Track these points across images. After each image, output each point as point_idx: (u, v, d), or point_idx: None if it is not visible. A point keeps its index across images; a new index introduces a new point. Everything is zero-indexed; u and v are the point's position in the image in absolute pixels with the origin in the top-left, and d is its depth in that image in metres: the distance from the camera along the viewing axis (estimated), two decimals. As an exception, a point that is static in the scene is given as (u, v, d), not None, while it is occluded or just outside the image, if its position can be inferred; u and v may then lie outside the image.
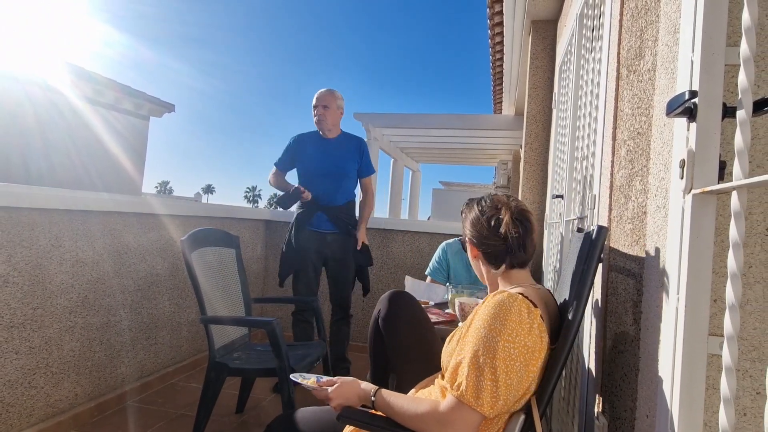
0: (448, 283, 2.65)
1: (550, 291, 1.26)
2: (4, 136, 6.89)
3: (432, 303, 2.32)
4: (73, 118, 7.84)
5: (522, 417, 1.05)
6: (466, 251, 1.32)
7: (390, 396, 1.11)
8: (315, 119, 2.79)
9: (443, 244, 2.81)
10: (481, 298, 1.24)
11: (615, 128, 1.32)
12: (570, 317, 1.08)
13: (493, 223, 1.19)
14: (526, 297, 1.05)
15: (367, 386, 1.17)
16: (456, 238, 2.79)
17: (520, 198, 3.75)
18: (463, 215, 1.31)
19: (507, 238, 1.17)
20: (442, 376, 1.18)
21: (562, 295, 1.23)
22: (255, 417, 2.41)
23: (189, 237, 2.14)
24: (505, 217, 1.18)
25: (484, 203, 1.25)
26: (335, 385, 1.18)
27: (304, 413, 1.32)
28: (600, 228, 1.12)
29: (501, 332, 0.98)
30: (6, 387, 1.88)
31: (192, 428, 2.03)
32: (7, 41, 7.13)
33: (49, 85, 7.45)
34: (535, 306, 1.04)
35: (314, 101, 2.80)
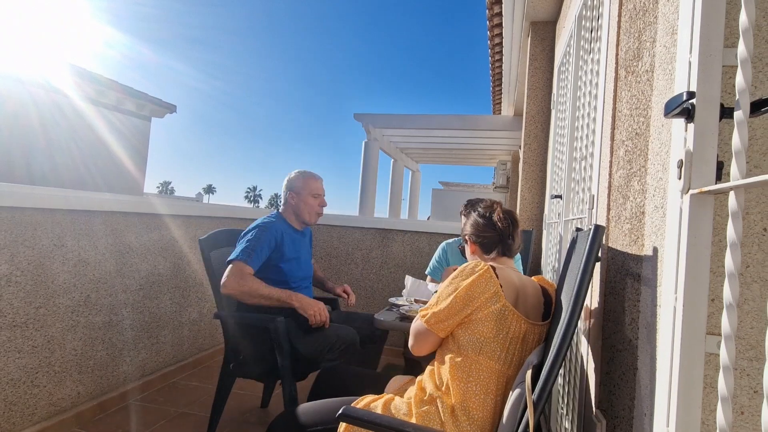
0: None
1: (541, 284, 1.42)
2: (7, 136, 6.90)
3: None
4: (75, 118, 7.84)
5: (517, 391, 1.07)
6: (464, 256, 1.58)
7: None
8: (318, 212, 2.27)
9: (443, 243, 2.81)
10: None
11: (613, 129, 1.32)
12: (567, 316, 1.08)
13: (488, 214, 1.50)
14: (491, 266, 1.27)
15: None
16: (456, 238, 2.79)
17: (519, 198, 3.76)
18: (464, 220, 1.60)
19: (498, 229, 1.46)
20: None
21: (560, 294, 1.23)
22: (266, 414, 2.41)
23: (208, 237, 2.18)
24: (497, 211, 1.50)
25: (479, 206, 1.56)
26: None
27: (305, 408, 1.34)
28: (597, 227, 1.12)
29: (448, 279, 1.30)
30: (9, 385, 1.88)
31: (202, 424, 2.04)
32: (10, 43, 7.13)
33: (52, 86, 7.46)
34: (494, 270, 1.26)
35: (320, 189, 2.27)
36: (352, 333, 2.02)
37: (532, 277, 1.44)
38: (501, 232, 1.46)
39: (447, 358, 1.25)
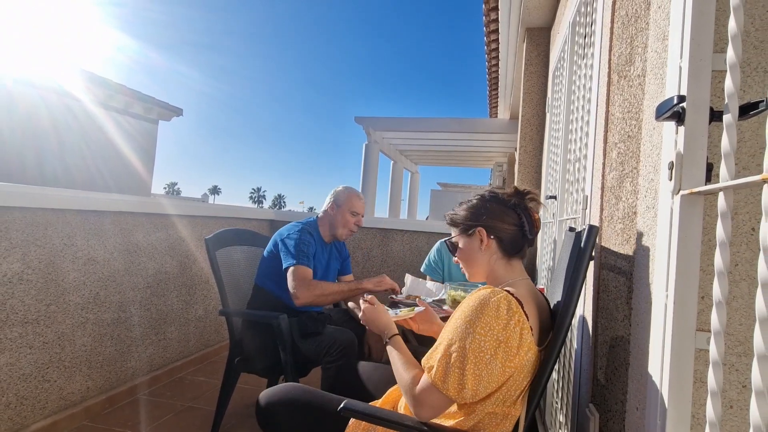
0: (444, 282, 2.65)
1: (543, 293, 1.25)
2: (21, 138, 6.91)
3: (429, 300, 2.31)
4: (86, 121, 7.85)
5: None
6: (453, 253, 1.28)
7: (395, 350, 1.17)
8: (351, 229, 2.24)
9: (439, 242, 2.81)
10: None
11: (606, 131, 1.32)
12: (562, 313, 1.08)
13: (517, 211, 1.17)
14: (512, 294, 1.03)
15: (391, 327, 1.27)
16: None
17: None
18: (469, 209, 1.23)
19: (523, 225, 1.16)
20: None
21: (555, 292, 1.23)
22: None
23: (214, 236, 2.19)
24: (531, 204, 1.19)
25: (499, 195, 1.21)
26: (368, 305, 1.34)
27: (273, 391, 1.33)
28: (591, 227, 1.12)
29: (476, 324, 0.97)
30: (20, 380, 1.88)
31: (207, 418, 2.04)
32: (23, 49, 7.14)
33: (63, 90, 7.47)
34: (520, 303, 1.01)
35: (360, 207, 2.24)
36: (349, 335, 1.98)
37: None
38: (525, 232, 1.17)
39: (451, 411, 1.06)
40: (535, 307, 1.08)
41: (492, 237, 1.17)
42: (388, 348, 1.20)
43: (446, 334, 1.03)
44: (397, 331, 1.24)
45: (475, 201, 1.23)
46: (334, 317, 2.28)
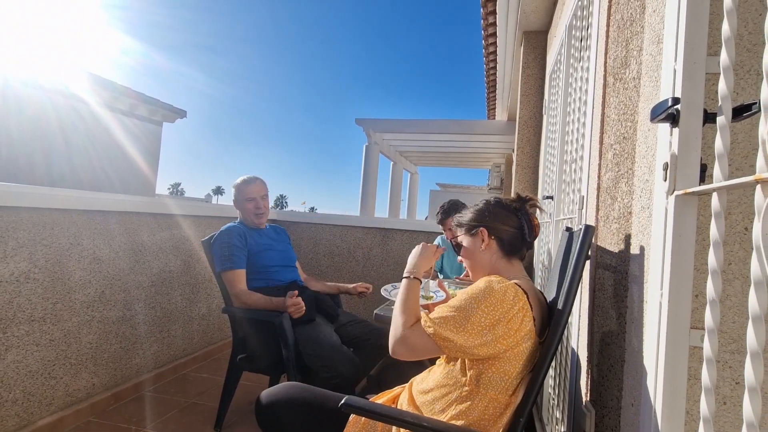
0: (440, 276, 2.66)
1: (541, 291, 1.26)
2: (29, 139, 6.92)
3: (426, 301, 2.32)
4: (92, 123, 7.86)
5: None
6: (457, 252, 1.32)
7: (407, 291, 1.21)
8: (255, 213, 2.25)
9: (438, 237, 2.83)
10: None
11: (602, 133, 1.32)
12: (559, 311, 1.08)
13: (518, 215, 1.24)
14: (519, 285, 1.08)
15: (419, 269, 1.30)
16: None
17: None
18: (474, 212, 1.29)
19: (523, 228, 1.22)
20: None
21: (551, 291, 1.23)
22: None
23: (210, 238, 2.22)
24: (532, 209, 1.24)
25: (503, 201, 1.28)
26: (425, 244, 1.37)
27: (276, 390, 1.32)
28: (587, 227, 1.12)
29: (481, 302, 1.03)
30: (27, 377, 1.88)
31: (211, 414, 2.04)
32: (32, 52, 7.15)
33: (70, 93, 7.48)
34: (526, 293, 1.06)
35: (252, 192, 2.24)
36: (353, 370, 1.93)
37: None
38: (524, 234, 1.22)
39: (454, 390, 1.09)
40: (537, 301, 1.11)
41: (493, 237, 1.23)
42: (404, 282, 1.24)
43: (452, 302, 1.08)
44: (420, 277, 1.27)
45: (480, 205, 1.30)
46: (339, 314, 2.27)
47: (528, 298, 1.06)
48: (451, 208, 2.61)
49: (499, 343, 1.02)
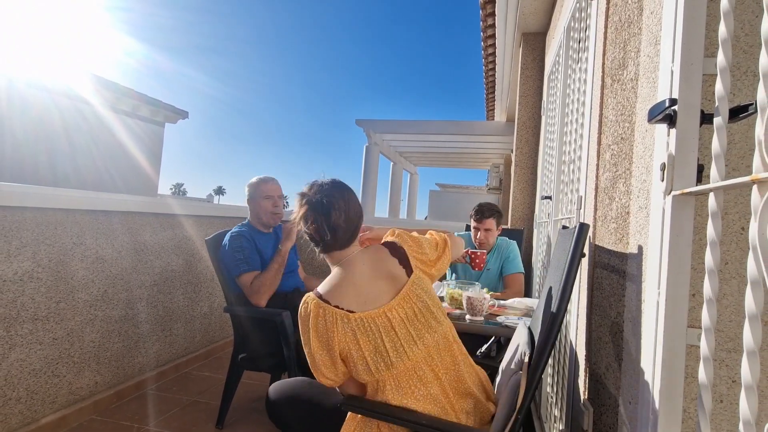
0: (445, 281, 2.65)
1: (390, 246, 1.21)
2: (33, 140, 6.92)
3: None
4: (96, 124, 7.87)
5: (512, 381, 1.06)
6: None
7: None
8: (272, 212, 2.22)
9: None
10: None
11: (600, 134, 1.31)
12: (554, 309, 1.07)
13: (297, 219, 1.19)
14: (320, 296, 1.10)
15: None
16: (463, 234, 2.77)
17: (511, 199, 3.75)
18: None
19: (309, 229, 1.17)
20: None
21: (549, 288, 1.23)
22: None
23: (213, 237, 2.21)
24: (300, 212, 1.17)
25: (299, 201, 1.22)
26: None
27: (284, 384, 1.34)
28: (581, 225, 1.12)
29: (306, 340, 1.11)
30: (31, 375, 1.88)
31: (212, 412, 2.04)
32: (36, 53, 7.16)
33: (74, 94, 7.49)
34: (321, 297, 1.10)
35: (271, 190, 2.22)
36: None
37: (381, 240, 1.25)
38: (312, 235, 1.19)
39: (373, 395, 1.12)
40: (351, 283, 1.12)
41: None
42: None
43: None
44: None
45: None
46: None
47: (321, 298, 1.09)
48: (493, 210, 2.56)
49: (332, 351, 1.08)
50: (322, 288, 1.13)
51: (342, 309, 1.08)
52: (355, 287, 1.12)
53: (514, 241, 2.68)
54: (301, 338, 1.12)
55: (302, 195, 1.18)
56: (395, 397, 1.07)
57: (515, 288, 2.50)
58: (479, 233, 2.56)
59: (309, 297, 1.12)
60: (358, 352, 1.07)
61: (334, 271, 1.17)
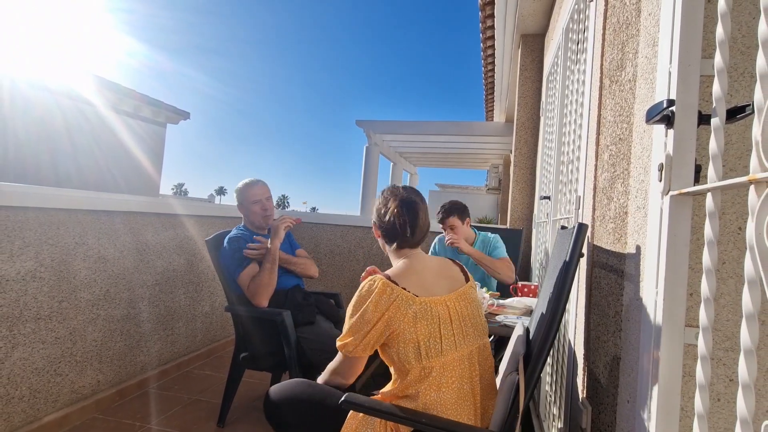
0: None
1: (453, 261, 1.35)
2: (36, 140, 6.92)
3: None
4: (98, 124, 7.87)
5: (509, 380, 1.06)
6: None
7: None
8: (262, 215, 2.23)
9: (436, 239, 2.85)
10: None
11: (598, 134, 1.31)
12: (553, 309, 1.07)
13: (383, 211, 1.29)
14: (389, 277, 1.17)
15: None
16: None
17: (510, 199, 3.75)
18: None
19: (395, 223, 1.26)
20: None
21: (548, 288, 1.23)
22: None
23: (213, 237, 2.21)
24: (391, 206, 1.27)
25: (381, 196, 1.35)
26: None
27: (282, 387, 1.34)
28: (580, 225, 1.12)
29: (357, 308, 1.15)
30: (34, 374, 1.88)
31: (214, 410, 2.04)
32: (39, 54, 7.16)
33: (76, 95, 7.49)
34: (389, 278, 1.17)
35: (257, 194, 2.23)
36: None
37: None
38: (396, 229, 1.27)
39: (402, 379, 1.15)
40: (415, 271, 1.22)
41: (379, 230, 1.35)
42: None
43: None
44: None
45: (377, 203, 1.37)
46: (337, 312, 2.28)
47: (390, 279, 1.16)
48: (452, 208, 2.61)
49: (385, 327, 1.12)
50: (390, 272, 1.22)
51: (408, 291, 1.14)
52: (420, 276, 1.21)
53: (497, 235, 2.73)
54: (350, 310, 1.16)
55: (394, 192, 1.30)
56: (436, 383, 1.10)
57: (505, 264, 2.51)
58: (446, 233, 2.59)
59: (377, 277, 1.18)
60: (412, 335, 1.11)
61: (401, 261, 1.27)
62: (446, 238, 2.55)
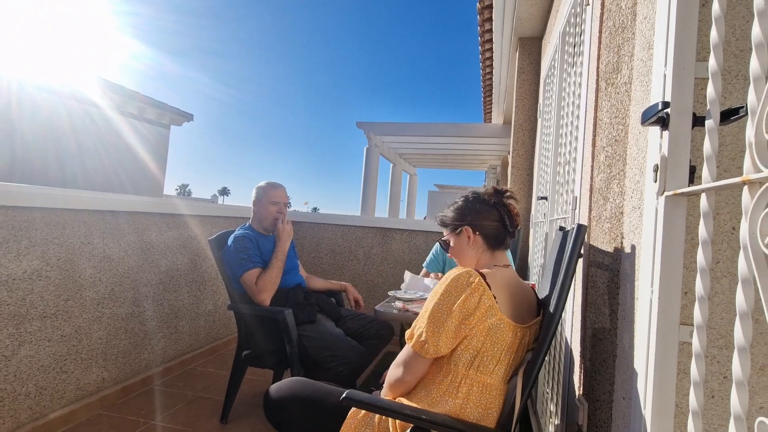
0: (440, 273, 2.66)
1: (533, 289, 1.28)
2: (43, 142, 6.93)
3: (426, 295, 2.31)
4: (103, 126, 7.88)
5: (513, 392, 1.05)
6: (446, 250, 1.34)
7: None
8: (276, 218, 2.21)
9: (436, 245, 2.83)
10: None
11: (594, 136, 1.31)
12: (552, 308, 1.07)
13: (498, 208, 1.26)
14: (477, 270, 1.10)
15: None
16: None
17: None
18: (455, 210, 1.32)
19: (504, 220, 1.25)
20: None
21: (546, 288, 1.23)
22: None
23: (216, 237, 2.21)
24: (510, 201, 1.28)
25: (481, 195, 1.31)
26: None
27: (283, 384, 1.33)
28: (579, 226, 1.12)
29: (439, 292, 1.08)
30: (40, 372, 1.88)
31: (217, 407, 2.04)
32: (46, 57, 7.16)
33: (82, 97, 7.50)
34: (483, 276, 1.08)
35: (278, 196, 2.23)
36: (359, 357, 1.95)
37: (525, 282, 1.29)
38: (506, 227, 1.25)
39: (433, 378, 1.10)
40: (507, 285, 1.13)
41: (477, 233, 1.26)
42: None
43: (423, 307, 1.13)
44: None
45: (460, 203, 1.33)
46: (341, 313, 2.27)
47: (485, 279, 1.07)
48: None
49: (461, 328, 1.05)
50: (487, 274, 1.10)
51: (497, 302, 1.08)
52: (510, 292, 1.13)
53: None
54: (436, 297, 1.08)
55: (498, 192, 1.29)
56: (461, 396, 1.06)
57: None
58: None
59: (475, 273, 1.08)
60: (477, 342, 1.06)
61: (495, 268, 1.19)
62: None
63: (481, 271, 1.11)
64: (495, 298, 1.07)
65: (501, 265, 1.23)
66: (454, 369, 1.08)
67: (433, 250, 2.84)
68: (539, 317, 1.19)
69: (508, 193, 1.30)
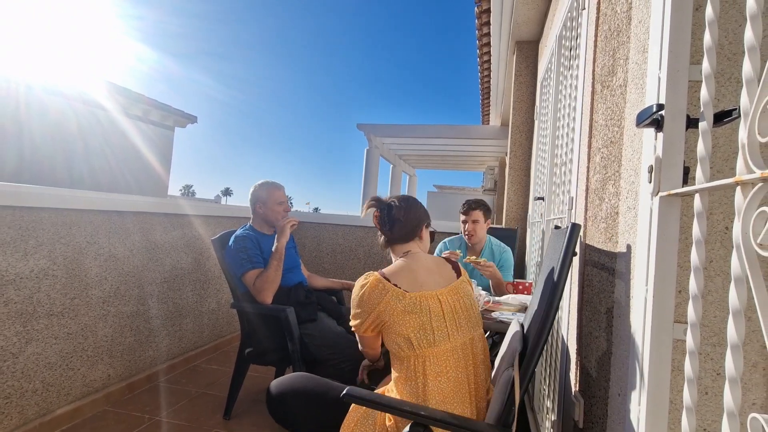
0: None
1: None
2: (51, 143, 6.95)
3: None
4: (109, 128, 7.89)
5: (505, 375, 1.06)
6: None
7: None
8: (284, 216, 2.23)
9: (443, 242, 2.80)
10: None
11: (590, 137, 1.31)
12: (547, 306, 1.07)
13: (376, 219, 1.42)
14: (383, 274, 1.23)
15: None
16: (456, 236, 2.76)
17: (505, 200, 3.75)
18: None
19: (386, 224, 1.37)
20: None
21: (542, 286, 1.23)
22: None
23: (219, 237, 2.20)
24: (374, 212, 1.41)
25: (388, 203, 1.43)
26: None
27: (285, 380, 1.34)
28: (573, 225, 1.11)
29: (354, 299, 1.25)
30: (46, 368, 1.88)
31: (220, 403, 2.03)
32: (54, 60, 7.17)
33: (89, 99, 7.51)
34: (387, 279, 1.22)
35: (283, 197, 2.26)
36: (360, 354, 1.96)
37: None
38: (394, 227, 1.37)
39: (398, 367, 1.20)
40: (408, 269, 1.26)
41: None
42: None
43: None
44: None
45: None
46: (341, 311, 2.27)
47: (385, 276, 1.22)
48: (480, 202, 2.55)
49: (371, 316, 1.19)
50: (386, 270, 1.26)
51: (399, 288, 1.19)
52: (413, 273, 1.25)
53: (509, 248, 2.62)
54: (352, 300, 1.26)
55: (377, 200, 1.41)
56: (434, 372, 1.14)
57: (506, 290, 2.47)
58: (467, 225, 2.54)
59: (372, 274, 1.25)
60: (402, 327, 1.15)
61: (398, 260, 1.32)
62: (466, 229, 2.51)
63: (380, 271, 1.26)
64: (397, 285, 1.20)
65: (403, 257, 1.34)
66: (405, 356, 1.16)
67: (436, 251, 2.82)
68: (460, 276, 1.32)
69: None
